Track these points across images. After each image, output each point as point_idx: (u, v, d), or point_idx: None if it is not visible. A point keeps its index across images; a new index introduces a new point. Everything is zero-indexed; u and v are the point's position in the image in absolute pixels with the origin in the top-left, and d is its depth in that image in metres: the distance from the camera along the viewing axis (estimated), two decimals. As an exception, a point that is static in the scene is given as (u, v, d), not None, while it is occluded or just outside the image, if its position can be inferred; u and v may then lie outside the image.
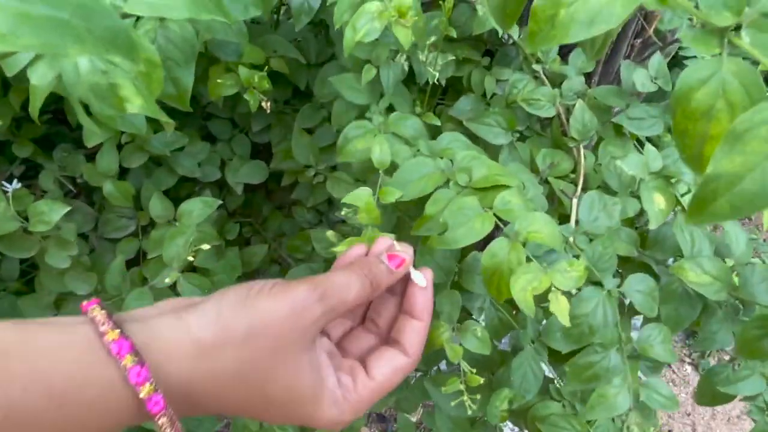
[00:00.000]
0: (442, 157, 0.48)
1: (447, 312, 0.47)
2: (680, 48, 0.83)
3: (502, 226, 0.42)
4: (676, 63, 0.87)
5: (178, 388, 0.25)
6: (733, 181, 0.19)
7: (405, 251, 0.34)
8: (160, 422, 0.24)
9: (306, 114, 0.73)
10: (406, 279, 0.34)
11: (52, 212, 0.57)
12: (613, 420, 0.46)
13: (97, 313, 0.25)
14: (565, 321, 0.37)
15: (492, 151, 0.64)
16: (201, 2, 0.34)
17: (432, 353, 0.62)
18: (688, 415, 1.11)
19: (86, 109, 0.39)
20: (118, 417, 0.24)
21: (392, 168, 0.50)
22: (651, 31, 0.79)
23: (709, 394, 0.57)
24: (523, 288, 0.37)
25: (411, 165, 0.47)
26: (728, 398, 0.56)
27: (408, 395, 0.71)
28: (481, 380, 0.41)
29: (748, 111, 0.18)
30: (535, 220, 0.40)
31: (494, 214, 0.41)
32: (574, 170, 0.63)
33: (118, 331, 0.24)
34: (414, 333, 0.33)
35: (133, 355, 0.24)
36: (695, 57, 0.85)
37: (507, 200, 0.42)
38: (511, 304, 0.44)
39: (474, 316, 0.51)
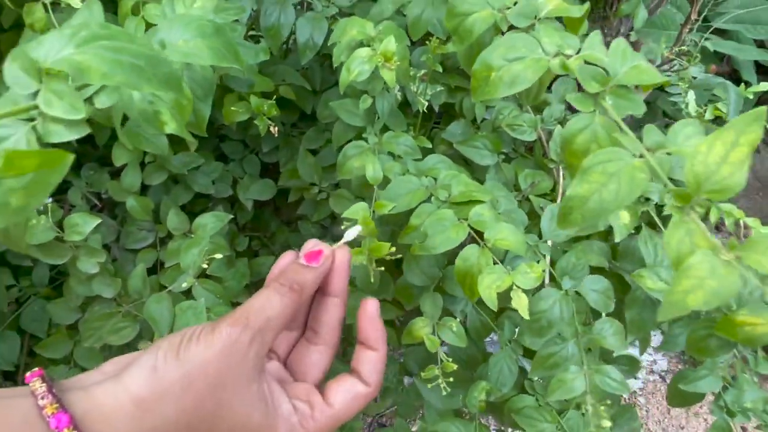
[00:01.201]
0: (427, 176, 0.57)
1: (429, 311, 0.55)
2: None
3: (476, 236, 0.51)
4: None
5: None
6: (582, 201, 0.28)
7: (325, 246, 0.34)
8: None
9: (311, 137, 0.82)
10: (342, 277, 0.35)
11: (84, 224, 0.67)
12: (580, 410, 0.54)
13: (38, 386, 0.26)
14: (524, 314, 0.45)
15: (480, 171, 0.73)
16: (221, 52, 0.44)
17: (427, 357, 0.70)
18: (682, 428, 1.17)
19: (114, 132, 0.49)
20: None
21: (385, 183, 0.59)
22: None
23: (678, 395, 0.64)
24: (488, 286, 0.45)
25: (399, 182, 0.56)
26: (694, 398, 0.64)
27: (405, 399, 0.79)
28: (455, 366, 0.50)
29: (591, 154, 0.28)
30: (502, 230, 0.48)
31: (468, 225, 0.50)
32: (554, 189, 0.71)
33: (56, 405, 0.25)
34: (371, 363, 0.33)
35: (71, 428, 0.25)
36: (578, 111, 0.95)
37: (480, 213, 0.50)
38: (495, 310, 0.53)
39: (457, 318, 0.60)
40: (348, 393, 0.32)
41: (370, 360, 0.33)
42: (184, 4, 0.49)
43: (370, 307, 0.34)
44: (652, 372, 1.34)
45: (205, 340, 0.28)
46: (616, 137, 0.28)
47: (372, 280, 0.52)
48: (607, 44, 0.75)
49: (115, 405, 0.26)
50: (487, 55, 0.33)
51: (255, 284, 0.81)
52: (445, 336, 0.53)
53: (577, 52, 0.32)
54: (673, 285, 0.27)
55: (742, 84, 0.84)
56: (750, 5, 1.11)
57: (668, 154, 0.29)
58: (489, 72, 0.32)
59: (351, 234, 0.37)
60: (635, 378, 1.28)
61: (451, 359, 0.61)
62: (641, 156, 0.28)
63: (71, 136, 0.32)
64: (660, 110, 1.00)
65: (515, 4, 0.38)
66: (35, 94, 0.31)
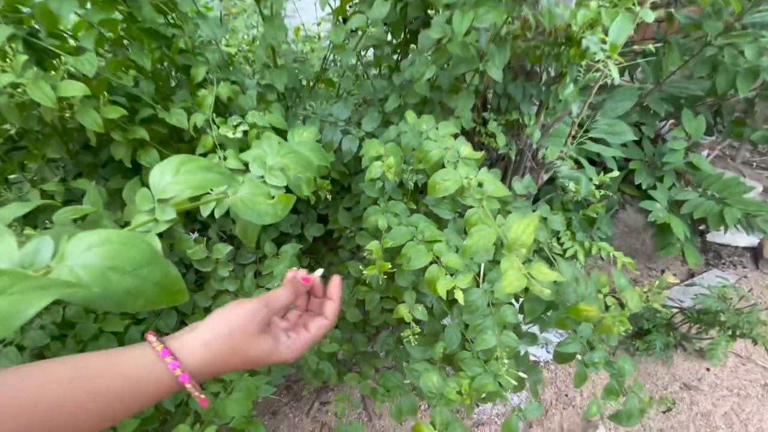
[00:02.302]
0: (412, 225, 0.70)
1: (408, 301, 0.67)
2: (556, 170, 1.05)
3: (437, 260, 0.64)
4: (554, 177, 1.08)
5: (198, 366, 0.32)
6: (471, 245, 0.41)
7: (311, 276, 0.43)
8: (187, 386, 0.32)
9: (346, 200, 0.94)
10: (336, 288, 0.43)
11: (224, 249, 0.79)
12: (496, 360, 0.64)
13: (152, 338, 0.32)
14: (461, 301, 0.58)
15: (444, 222, 0.85)
16: (322, 156, 0.57)
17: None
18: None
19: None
20: (164, 388, 0.31)
21: (389, 229, 0.71)
22: (535, 161, 1.01)
23: (559, 356, 0.73)
24: (442, 287, 0.58)
25: (396, 229, 0.69)
26: (569, 357, 0.73)
27: (399, 355, 0.88)
28: (419, 330, 0.61)
29: (476, 225, 0.41)
30: (451, 257, 0.61)
31: (433, 253, 0.63)
32: None
33: (162, 345, 0.32)
34: (331, 308, 0.41)
35: (171, 356, 0.31)
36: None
37: (439, 247, 0.63)
38: (449, 301, 0.63)
39: (425, 305, 0.71)
40: (317, 324, 0.40)
41: (331, 306, 0.42)
42: (298, 134, 0.62)
43: (337, 280, 0.44)
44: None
45: (241, 307, 0.35)
46: (487, 219, 0.42)
47: (381, 282, 0.64)
48: (520, 151, 0.88)
49: (193, 345, 0.33)
50: (435, 176, 0.47)
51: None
52: (417, 315, 0.64)
53: (475, 176, 0.46)
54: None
55: (600, 173, 0.97)
56: (612, 123, 1.26)
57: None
58: (435, 184, 0.46)
59: (318, 273, 0.44)
60: (547, 352, 1.33)
61: (425, 332, 0.71)
62: (499, 226, 0.42)
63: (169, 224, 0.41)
64: (559, 186, 1.12)
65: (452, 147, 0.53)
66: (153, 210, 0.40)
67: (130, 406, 0.29)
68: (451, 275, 0.60)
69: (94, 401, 0.27)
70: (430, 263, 0.61)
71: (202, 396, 0.33)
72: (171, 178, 0.39)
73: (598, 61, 0.70)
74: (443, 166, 0.52)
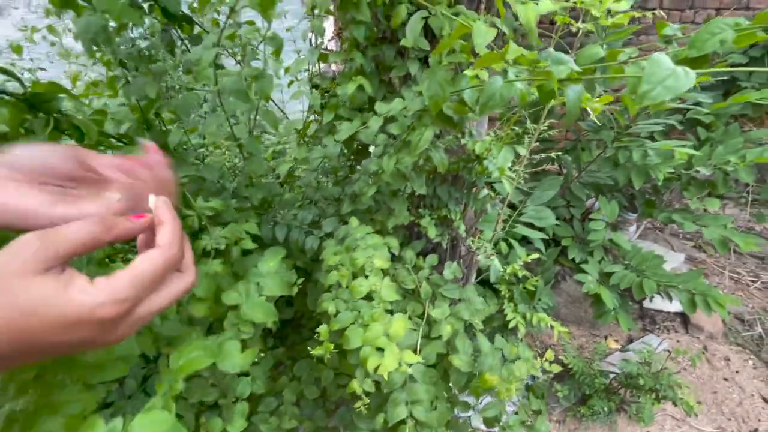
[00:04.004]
0: (355, 310, 0.86)
1: (358, 376, 0.81)
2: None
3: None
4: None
5: None
6: (367, 338, 0.58)
7: (159, 208, 0.28)
8: None
9: (311, 286, 1.11)
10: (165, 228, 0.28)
11: None
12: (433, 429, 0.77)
13: None
14: (386, 378, 0.72)
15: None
16: (285, 286, 0.76)
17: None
18: None
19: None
20: None
21: (337, 314, 0.87)
22: (466, 247, 1.22)
23: (486, 420, 0.87)
24: (371, 365, 0.73)
25: (342, 314, 0.85)
26: (492, 420, 0.86)
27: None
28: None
29: None
30: (378, 340, 0.77)
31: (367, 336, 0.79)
32: (423, 312, 1.01)
33: None
34: (164, 235, 0.27)
35: None
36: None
37: (374, 331, 0.79)
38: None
39: None
40: (142, 256, 0.26)
41: (165, 232, 0.27)
42: (266, 264, 0.80)
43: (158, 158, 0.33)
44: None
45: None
46: (379, 318, 0.60)
47: (327, 361, 0.78)
48: (454, 239, 1.06)
49: None
50: (354, 282, 0.65)
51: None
52: (366, 387, 0.78)
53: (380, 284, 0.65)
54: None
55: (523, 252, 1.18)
56: (538, 209, 1.51)
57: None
58: (354, 288, 0.64)
59: (152, 203, 0.30)
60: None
61: (371, 404, 0.84)
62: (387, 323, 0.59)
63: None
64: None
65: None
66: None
67: None
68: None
69: None
70: (362, 345, 0.77)
71: None
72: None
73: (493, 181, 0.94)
74: (364, 271, 0.71)
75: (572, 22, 0.88)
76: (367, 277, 0.72)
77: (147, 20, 0.72)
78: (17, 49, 1.15)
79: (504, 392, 0.69)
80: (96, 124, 0.60)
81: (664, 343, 1.64)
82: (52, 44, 1.69)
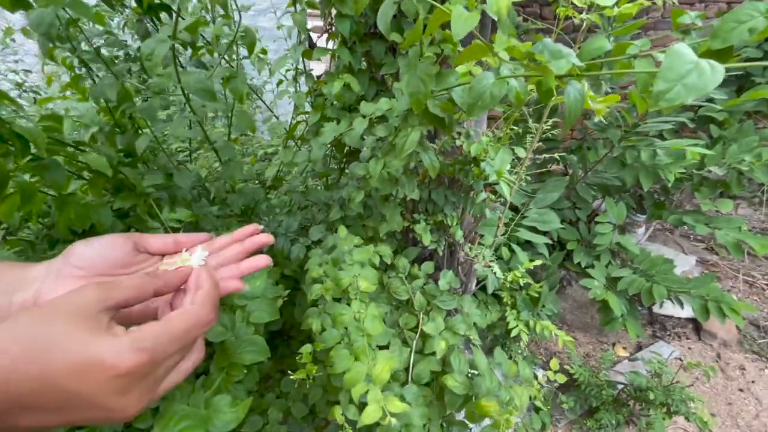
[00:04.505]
0: (342, 328, 0.81)
1: (342, 401, 0.75)
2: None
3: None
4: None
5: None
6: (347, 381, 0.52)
7: (200, 274, 0.30)
8: None
9: (298, 296, 1.06)
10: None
11: None
12: None
13: None
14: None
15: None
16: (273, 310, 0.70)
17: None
18: None
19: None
20: None
21: (323, 331, 0.81)
22: (465, 254, 1.15)
23: None
24: (356, 392, 0.67)
25: (329, 332, 0.78)
26: None
27: None
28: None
29: None
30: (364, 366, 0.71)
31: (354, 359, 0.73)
32: (417, 325, 0.95)
33: None
34: (202, 294, 0.28)
35: None
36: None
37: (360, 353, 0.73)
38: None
39: None
40: (178, 311, 0.27)
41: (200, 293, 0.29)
42: (253, 283, 0.73)
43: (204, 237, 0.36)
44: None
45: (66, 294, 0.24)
46: (362, 355, 0.54)
47: (309, 385, 0.73)
48: (451, 245, 1.00)
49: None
50: (335, 310, 0.59)
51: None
52: (349, 415, 0.72)
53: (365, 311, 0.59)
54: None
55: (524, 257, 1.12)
56: (541, 212, 1.44)
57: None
58: (335, 317, 0.58)
59: (197, 259, 0.34)
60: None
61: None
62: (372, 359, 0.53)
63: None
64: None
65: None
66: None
67: None
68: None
69: None
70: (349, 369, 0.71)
71: None
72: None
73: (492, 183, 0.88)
74: (348, 292, 0.65)
75: (575, 14, 0.82)
76: (349, 304, 0.66)
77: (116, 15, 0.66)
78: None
79: (503, 423, 0.63)
80: (49, 131, 0.55)
81: (675, 351, 1.57)
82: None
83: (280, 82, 1.11)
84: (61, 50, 0.66)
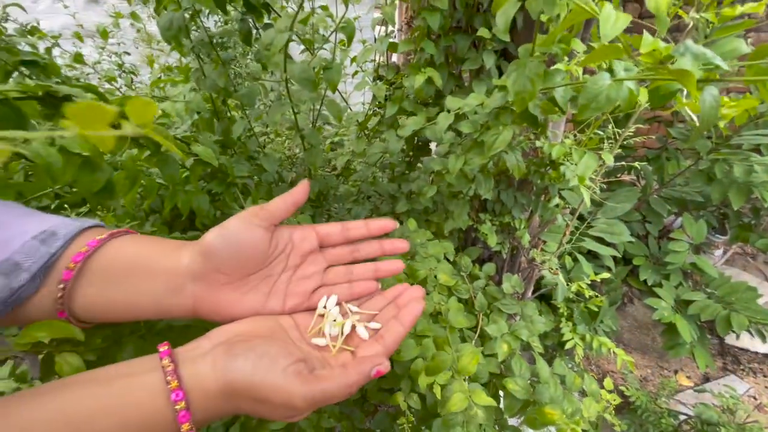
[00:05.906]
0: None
1: (404, 389, 0.77)
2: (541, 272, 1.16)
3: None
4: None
5: (206, 409, 0.25)
6: (431, 368, 0.53)
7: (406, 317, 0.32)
8: None
9: None
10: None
11: None
12: None
13: (167, 363, 0.25)
14: (439, 396, 0.67)
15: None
16: None
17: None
18: None
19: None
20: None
21: None
22: (527, 259, 1.12)
23: None
24: (423, 381, 0.68)
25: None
26: None
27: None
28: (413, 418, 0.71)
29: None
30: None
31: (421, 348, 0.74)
32: (477, 325, 0.94)
33: (177, 382, 0.24)
34: (395, 334, 0.30)
35: (184, 402, 0.24)
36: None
37: (426, 343, 0.75)
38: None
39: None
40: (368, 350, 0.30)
41: (397, 332, 0.31)
42: None
43: (419, 293, 0.34)
44: None
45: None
46: (446, 346, 0.54)
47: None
48: (515, 248, 0.99)
49: (211, 387, 0.25)
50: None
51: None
52: (411, 403, 0.74)
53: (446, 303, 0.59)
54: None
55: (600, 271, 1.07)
56: (610, 223, 1.37)
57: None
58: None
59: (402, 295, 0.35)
60: None
61: (416, 421, 0.80)
62: (456, 351, 0.53)
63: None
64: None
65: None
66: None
67: None
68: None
69: None
70: (416, 357, 0.72)
71: None
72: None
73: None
74: (426, 284, 0.66)
75: (683, 13, 0.76)
76: (428, 293, 0.67)
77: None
78: (103, 34, 1.23)
79: (569, 432, 0.61)
80: (162, 125, 0.59)
81: (750, 387, 1.44)
82: (138, 30, 1.81)
83: (355, 72, 1.13)
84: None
